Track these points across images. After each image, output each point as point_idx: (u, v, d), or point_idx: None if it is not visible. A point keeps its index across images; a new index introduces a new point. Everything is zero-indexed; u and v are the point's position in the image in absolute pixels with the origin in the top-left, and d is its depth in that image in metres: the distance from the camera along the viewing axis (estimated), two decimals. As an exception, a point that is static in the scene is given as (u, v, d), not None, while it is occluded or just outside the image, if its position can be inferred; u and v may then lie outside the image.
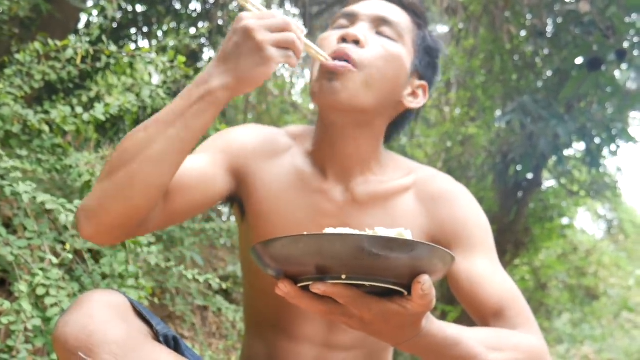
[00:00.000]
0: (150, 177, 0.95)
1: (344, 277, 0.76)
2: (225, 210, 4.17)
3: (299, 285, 0.81)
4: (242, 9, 1.00)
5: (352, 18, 1.16)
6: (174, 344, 1.02)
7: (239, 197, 1.21)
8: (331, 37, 1.15)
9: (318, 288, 0.77)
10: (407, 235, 0.78)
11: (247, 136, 1.22)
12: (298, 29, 0.95)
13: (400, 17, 1.18)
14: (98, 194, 0.97)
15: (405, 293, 0.80)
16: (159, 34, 4.12)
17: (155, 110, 3.54)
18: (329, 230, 0.79)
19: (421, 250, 0.76)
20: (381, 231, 0.78)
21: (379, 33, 1.15)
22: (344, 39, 1.11)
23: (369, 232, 0.76)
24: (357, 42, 1.10)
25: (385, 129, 1.23)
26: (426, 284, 0.77)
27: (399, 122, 1.26)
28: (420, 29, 1.20)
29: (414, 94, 1.23)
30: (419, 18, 1.21)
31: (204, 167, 1.12)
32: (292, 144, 1.25)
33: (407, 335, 0.86)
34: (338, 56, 1.09)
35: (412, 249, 0.75)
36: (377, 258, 0.74)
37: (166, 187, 0.99)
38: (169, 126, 0.96)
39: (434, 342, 0.90)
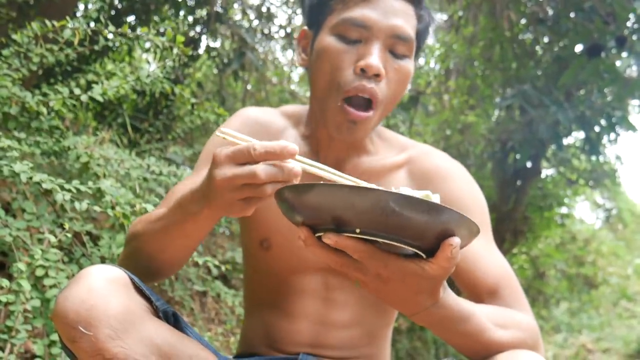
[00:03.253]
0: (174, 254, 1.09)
1: (358, 231, 0.76)
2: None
3: (317, 235, 0.80)
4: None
5: (366, 32, 1.09)
6: (173, 320, 1.02)
7: None
8: (345, 57, 1.09)
9: (329, 238, 0.77)
10: (435, 199, 0.78)
11: (238, 130, 1.23)
12: (283, 163, 0.85)
13: (409, 20, 1.12)
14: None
15: (424, 257, 0.80)
16: (157, 20, 4.09)
17: (153, 95, 3.51)
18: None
19: (447, 216, 0.74)
20: (406, 191, 0.77)
21: (392, 51, 1.11)
22: (362, 70, 1.07)
23: (394, 190, 0.74)
24: (376, 75, 1.08)
25: None
26: (456, 247, 0.77)
27: None
28: (420, 20, 1.16)
29: None
30: (421, 6, 1.16)
31: None
32: (287, 125, 1.27)
33: (423, 303, 0.86)
34: (361, 93, 1.08)
35: (435, 213, 0.74)
36: (399, 217, 0.73)
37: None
38: (175, 238, 1.03)
39: (450, 315, 0.90)
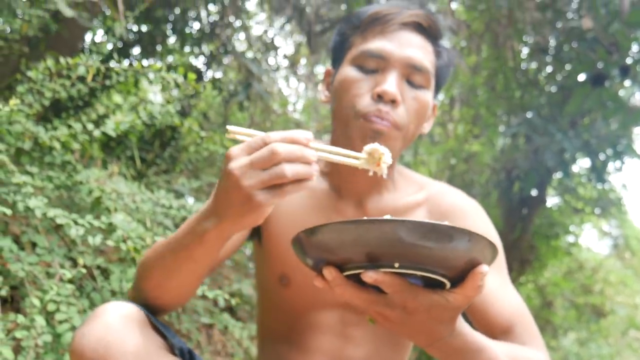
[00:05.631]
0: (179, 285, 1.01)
1: (396, 265, 0.74)
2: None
3: (345, 274, 0.79)
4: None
5: (382, 62, 1.14)
6: (189, 358, 1.02)
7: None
8: (362, 85, 1.14)
9: (370, 276, 0.76)
10: None
11: None
12: (298, 146, 0.81)
13: (426, 53, 1.16)
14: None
15: (448, 285, 0.80)
16: (161, 50, 4.14)
17: (161, 128, 3.52)
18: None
19: (477, 241, 0.74)
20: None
21: (409, 81, 1.15)
22: (379, 96, 1.11)
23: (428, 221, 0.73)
24: (393, 101, 1.11)
25: None
26: (485, 275, 0.77)
27: None
28: (439, 57, 1.20)
29: (428, 119, 1.25)
30: (438, 43, 1.20)
31: None
32: None
33: (442, 332, 0.86)
34: (379, 117, 1.10)
35: (469, 239, 0.73)
36: (435, 247, 0.72)
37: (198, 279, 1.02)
38: (182, 262, 0.96)
39: (464, 345, 0.90)
